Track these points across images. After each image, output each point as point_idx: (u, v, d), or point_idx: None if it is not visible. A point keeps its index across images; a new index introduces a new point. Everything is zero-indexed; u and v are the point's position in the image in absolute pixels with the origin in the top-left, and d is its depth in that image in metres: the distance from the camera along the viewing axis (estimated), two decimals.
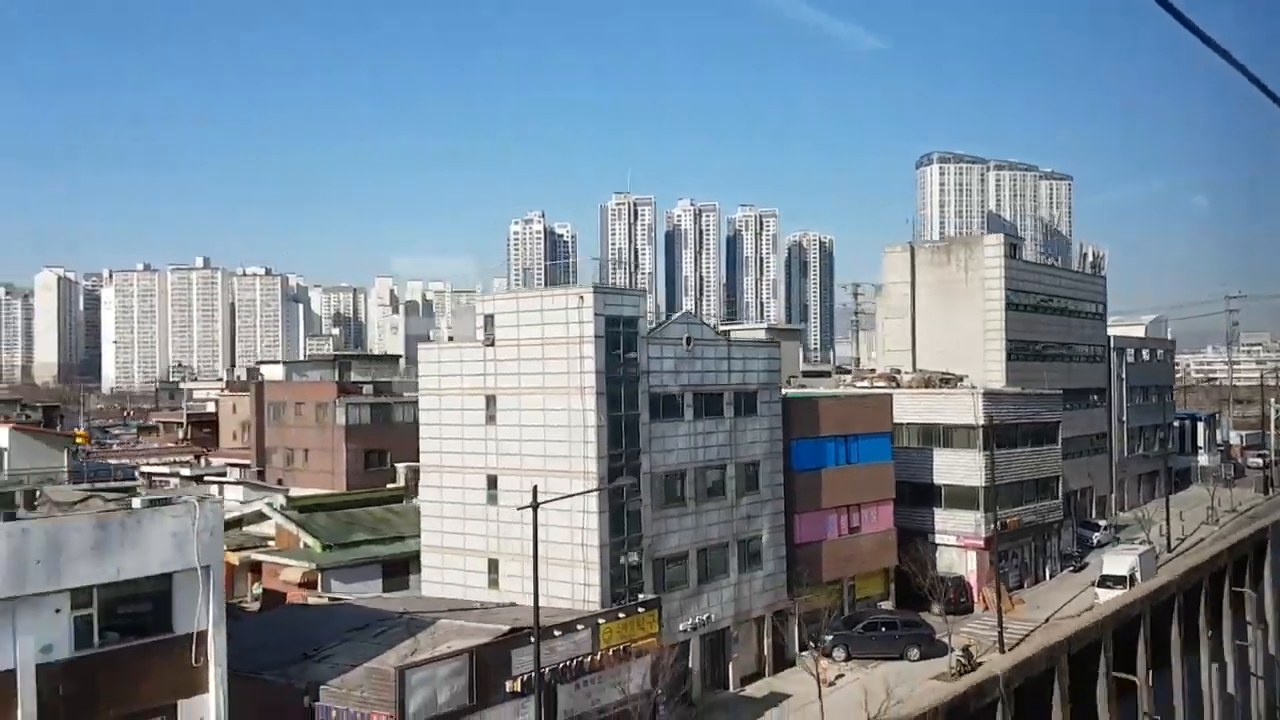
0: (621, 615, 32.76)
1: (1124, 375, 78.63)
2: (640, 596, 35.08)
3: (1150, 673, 42.03)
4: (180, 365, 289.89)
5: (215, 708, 24.08)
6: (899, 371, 59.49)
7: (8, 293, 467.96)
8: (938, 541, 52.91)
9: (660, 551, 37.70)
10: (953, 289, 61.65)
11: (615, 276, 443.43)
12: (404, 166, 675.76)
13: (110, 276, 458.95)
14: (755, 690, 40.56)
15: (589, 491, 34.35)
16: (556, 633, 30.38)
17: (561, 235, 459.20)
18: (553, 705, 29.82)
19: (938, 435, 53.10)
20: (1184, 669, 45.71)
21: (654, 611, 33.71)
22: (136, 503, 24.45)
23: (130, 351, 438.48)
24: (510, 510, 35.86)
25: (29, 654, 21.21)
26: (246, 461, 69.10)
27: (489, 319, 38.44)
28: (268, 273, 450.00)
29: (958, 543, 52.74)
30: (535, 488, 29.26)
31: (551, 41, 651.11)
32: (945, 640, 42.79)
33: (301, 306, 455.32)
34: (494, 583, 38.09)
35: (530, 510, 28.07)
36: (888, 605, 48.50)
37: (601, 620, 31.93)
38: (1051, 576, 58.99)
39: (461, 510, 39.20)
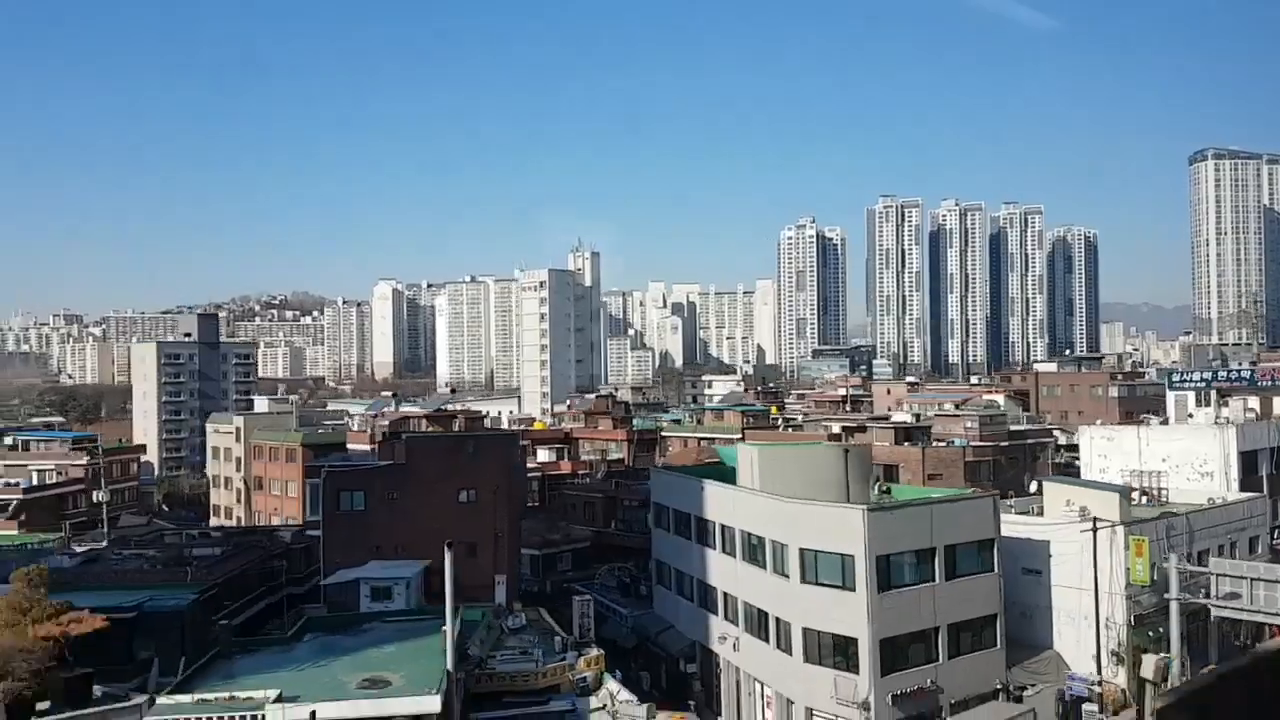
0: None
1: None
2: None
3: None
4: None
5: None
6: None
7: (345, 302, 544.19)
8: None
9: None
10: None
11: (883, 277, 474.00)
12: (662, 169, 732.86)
13: (441, 287, 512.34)
14: None
15: None
16: None
17: (831, 239, 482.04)
18: None
19: None
20: None
21: None
22: None
23: (460, 352, 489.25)
24: None
25: None
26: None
27: None
28: None
29: None
30: None
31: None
32: None
33: (603, 310, 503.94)
34: None
35: None
36: None
37: None
38: None
39: None
